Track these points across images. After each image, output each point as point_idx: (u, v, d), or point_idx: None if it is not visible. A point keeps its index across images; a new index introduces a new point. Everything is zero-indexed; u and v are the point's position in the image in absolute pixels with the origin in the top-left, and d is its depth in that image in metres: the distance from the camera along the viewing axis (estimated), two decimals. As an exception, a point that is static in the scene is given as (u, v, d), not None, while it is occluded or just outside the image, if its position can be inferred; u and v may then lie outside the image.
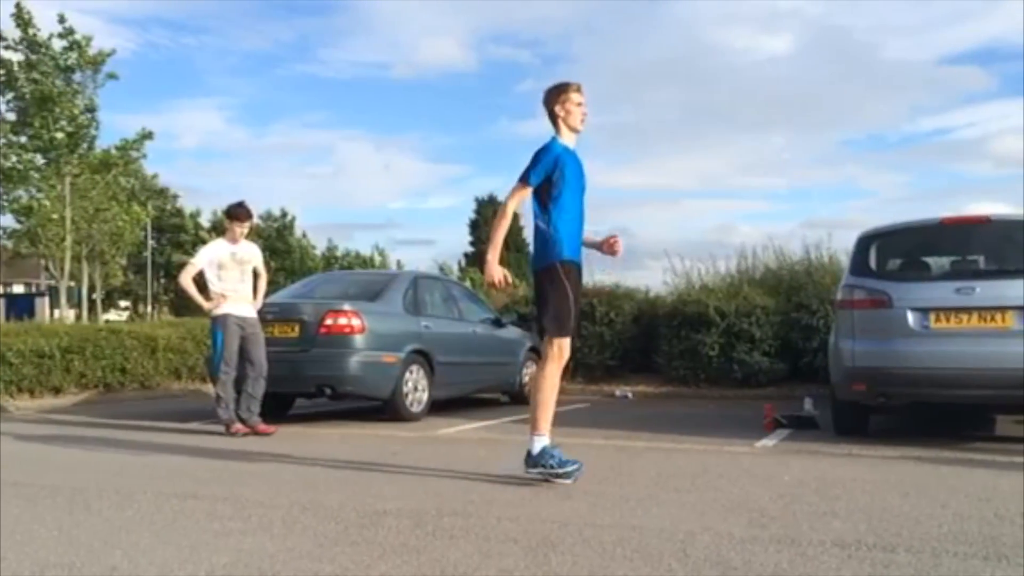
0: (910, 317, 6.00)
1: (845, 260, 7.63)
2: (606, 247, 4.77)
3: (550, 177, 4.43)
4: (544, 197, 4.47)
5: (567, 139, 4.57)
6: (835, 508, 3.85)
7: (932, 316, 5.95)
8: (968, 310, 5.86)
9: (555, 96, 4.57)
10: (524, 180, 4.44)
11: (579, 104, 4.56)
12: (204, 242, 22.12)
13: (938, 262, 6.89)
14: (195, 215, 44.17)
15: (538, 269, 4.52)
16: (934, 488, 4.37)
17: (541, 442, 4.41)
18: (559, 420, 8.11)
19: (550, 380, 4.44)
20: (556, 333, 4.45)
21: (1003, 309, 5.77)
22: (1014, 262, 6.23)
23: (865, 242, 6.66)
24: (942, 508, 3.84)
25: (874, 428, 6.73)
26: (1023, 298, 5.74)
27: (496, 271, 4.45)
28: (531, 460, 4.41)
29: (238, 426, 6.85)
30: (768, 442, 6.35)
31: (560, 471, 4.36)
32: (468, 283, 20.59)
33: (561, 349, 4.46)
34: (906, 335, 6.00)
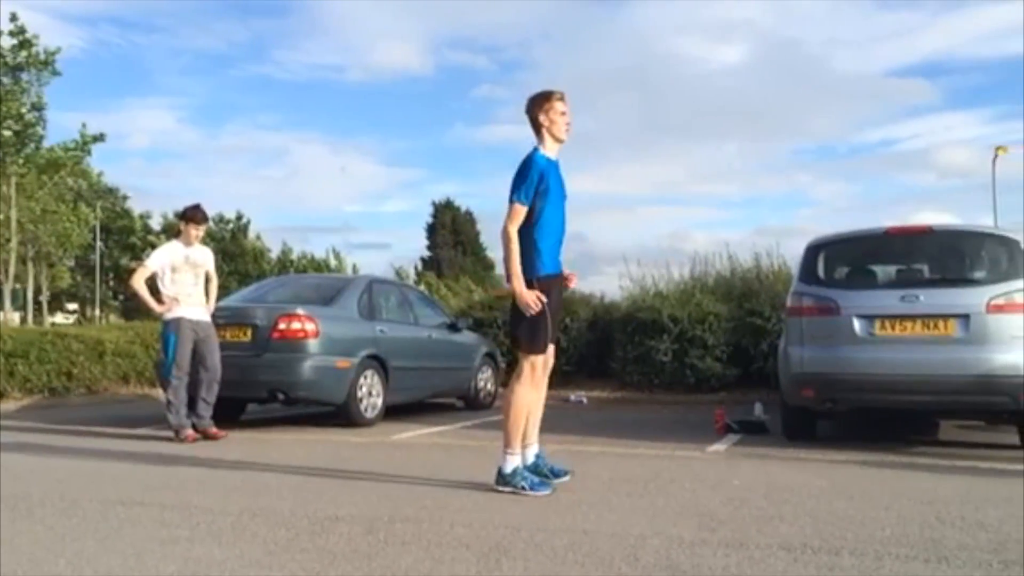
0: (856, 324, 6.13)
1: (795, 267, 7.77)
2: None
3: (535, 190, 4.36)
4: (527, 212, 4.38)
5: (550, 149, 4.48)
6: (782, 512, 3.92)
7: (877, 323, 6.09)
8: (912, 318, 6.01)
9: (539, 105, 4.48)
10: (517, 201, 4.33)
11: (563, 113, 4.48)
12: (153, 245, 21.56)
13: (884, 270, 7.04)
14: (145, 216, 43.34)
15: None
16: (878, 492, 4.48)
17: (512, 461, 4.36)
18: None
19: (518, 398, 4.37)
20: (528, 350, 4.40)
21: (945, 317, 5.93)
22: (956, 271, 6.42)
23: (813, 250, 6.79)
24: (885, 511, 3.93)
25: (822, 432, 6.86)
26: (965, 306, 5.91)
27: (529, 297, 4.30)
28: (501, 479, 4.38)
29: (189, 432, 6.75)
30: (719, 447, 6.44)
31: (531, 493, 4.28)
32: (424, 287, 20.49)
33: (534, 367, 4.41)
34: (852, 342, 6.13)
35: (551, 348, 4.54)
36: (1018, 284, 5.92)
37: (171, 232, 23.00)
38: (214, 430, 6.88)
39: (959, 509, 3.98)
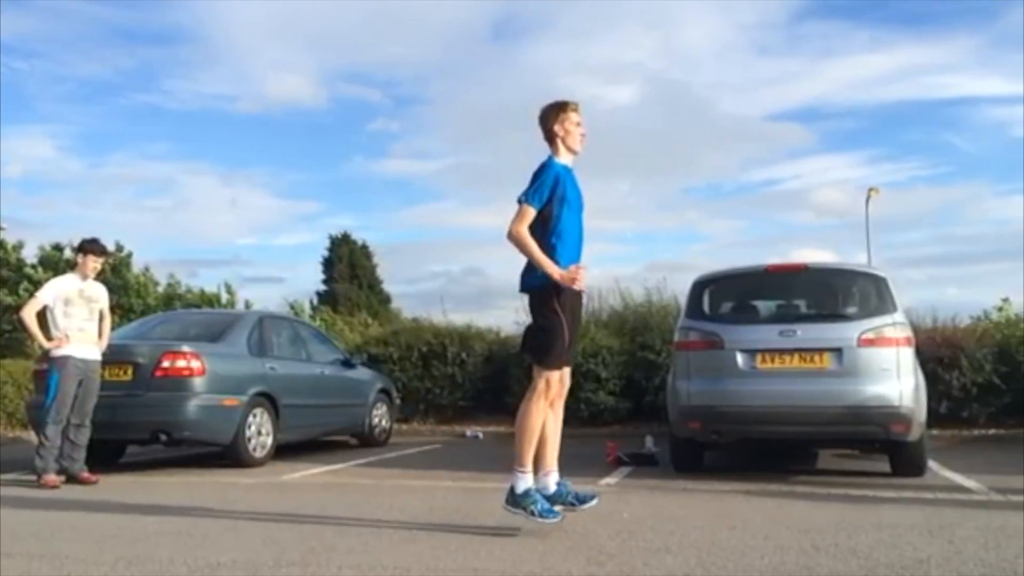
0: (739, 358, 6.37)
1: (684, 302, 8.02)
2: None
3: (551, 197, 4.23)
4: (545, 218, 4.23)
5: (564, 160, 4.37)
6: (668, 544, 4.00)
7: (758, 357, 6.34)
8: (790, 351, 6.28)
9: (554, 115, 4.38)
10: (527, 202, 4.18)
11: (578, 124, 4.39)
12: (30, 278, 20.53)
13: (765, 305, 7.35)
14: (17, 247, 41.00)
15: (532, 290, 4.27)
16: (759, 521, 4.63)
17: (523, 480, 4.19)
18: (409, 463, 8.09)
19: (531, 414, 4.18)
20: (543, 364, 4.21)
21: (820, 350, 6.23)
22: (830, 307, 6.77)
23: (699, 287, 7.04)
24: (764, 540, 4.07)
25: (709, 463, 7.06)
26: (838, 340, 6.22)
27: (568, 274, 4.14)
28: (513, 499, 4.20)
29: (51, 477, 6.35)
30: (611, 480, 6.54)
31: (540, 520, 4.16)
32: (320, 323, 20.05)
33: (549, 383, 4.20)
34: (735, 375, 6.35)
35: (567, 369, 4.34)
36: (887, 319, 6.28)
37: (48, 264, 21.84)
38: (86, 474, 6.56)
39: (833, 536, 4.15)
